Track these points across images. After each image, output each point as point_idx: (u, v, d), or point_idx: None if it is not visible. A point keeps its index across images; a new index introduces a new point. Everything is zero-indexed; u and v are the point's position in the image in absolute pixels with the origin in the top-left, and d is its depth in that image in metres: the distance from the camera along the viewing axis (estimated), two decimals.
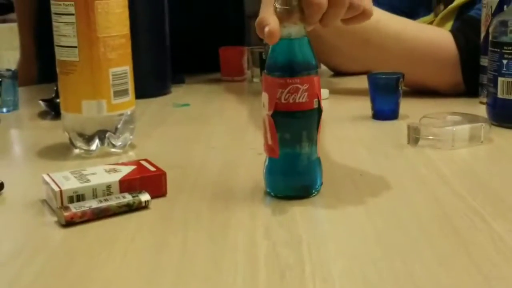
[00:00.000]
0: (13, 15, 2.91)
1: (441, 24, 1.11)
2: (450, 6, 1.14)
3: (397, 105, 0.92)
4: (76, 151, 0.80)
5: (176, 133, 0.92)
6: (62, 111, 0.80)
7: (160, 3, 1.15)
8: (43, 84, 1.27)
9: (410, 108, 0.94)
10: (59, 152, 0.81)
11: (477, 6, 1.03)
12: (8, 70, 1.10)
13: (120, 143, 0.80)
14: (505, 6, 0.91)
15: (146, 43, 1.12)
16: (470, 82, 1.01)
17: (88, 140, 0.79)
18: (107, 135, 0.79)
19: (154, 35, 1.15)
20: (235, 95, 1.18)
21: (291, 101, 0.60)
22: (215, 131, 0.92)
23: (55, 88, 1.11)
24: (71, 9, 0.75)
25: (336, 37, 1.06)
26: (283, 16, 0.59)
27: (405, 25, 1.03)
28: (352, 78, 1.26)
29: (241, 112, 1.04)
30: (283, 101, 0.60)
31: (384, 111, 0.92)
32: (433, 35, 1.03)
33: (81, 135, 0.79)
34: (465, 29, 1.02)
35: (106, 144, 0.80)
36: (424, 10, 1.22)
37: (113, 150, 0.80)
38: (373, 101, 0.93)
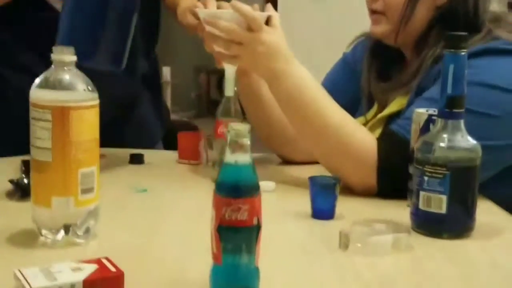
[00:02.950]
0: None
1: (370, 130, 1.23)
2: (379, 115, 1.28)
3: (333, 207, 1.03)
4: (43, 239, 0.89)
5: (136, 222, 1.01)
6: (33, 204, 0.89)
7: None
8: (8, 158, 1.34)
9: (345, 208, 1.05)
10: (27, 239, 0.90)
11: (399, 122, 1.15)
12: None
13: (83, 234, 0.89)
14: (431, 125, 1.04)
15: None
16: (384, 191, 1.13)
17: (55, 231, 0.88)
18: (71, 227, 0.88)
19: None
20: (192, 180, 1.27)
21: (233, 218, 0.71)
22: (173, 221, 1.02)
23: (23, 168, 1.20)
24: (48, 116, 0.85)
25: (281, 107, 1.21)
26: None
27: (344, 118, 1.17)
28: (299, 167, 1.37)
29: (198, 199, 1.14)
30: (226, 217, 0.71)
31: (322, 211, 1.03)
32: (363, 137, 1.15)
33: (48, 226, 0.88)
34: (388, 142, 1.13)
35: (70, 234, 0.88)
36: (361, 110, 1.35)
37: (77, 240, 0.89)
38: (313, 201, 1.04)
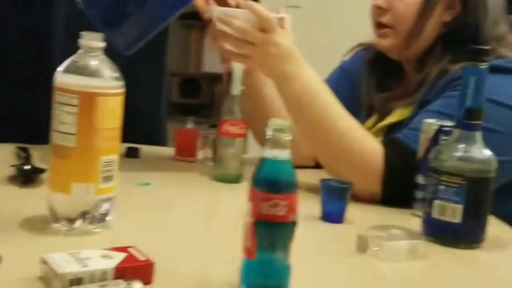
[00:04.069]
0: None
1: None
2: (379, 124, 1.29)
3: (344, 211, 1.04)
4: (57, 226, 0.87)
5: (147, 215, 1.00)
6: (50, 191, 0.86)
7: None
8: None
9: (350, 213, 1.05)
10: (40, 226, 0.87)
11: (406, 132, 1.16)
12: None
13: (99, 223, 0.88)
14: (440, 135, 1.05)
15: None
16: (388, 198, 1.13)
17: (72, 218, 0.86)
18: (89, 215, 0.86)
19: None
20: (191, 177, 1.26)
21: (271, 213, 0.70)
22: (183, 216, 1.01)
23: (23, 154, 1.18)
24: (75, 101, 0.83)
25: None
26: None
27: (351, 124, 1.17)
28: (302, 172, 1.36)
29: (203, 196, 1.14)
30: (265, 212, 0.70)
31: (333, 215, 1.04)
32: (370, 145, 1.16)
33: (66, 213, 0.86)
34: (394, 151, 1.14)
35: (87, 223, 0.87)
36: (359, 119, 1.36)
37: (93, 229, 0.87)
38: (323, 204, 1.05)
